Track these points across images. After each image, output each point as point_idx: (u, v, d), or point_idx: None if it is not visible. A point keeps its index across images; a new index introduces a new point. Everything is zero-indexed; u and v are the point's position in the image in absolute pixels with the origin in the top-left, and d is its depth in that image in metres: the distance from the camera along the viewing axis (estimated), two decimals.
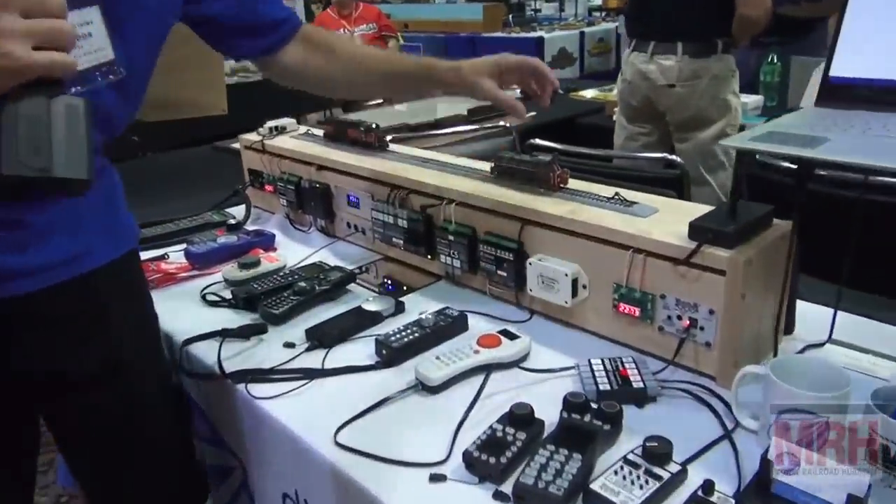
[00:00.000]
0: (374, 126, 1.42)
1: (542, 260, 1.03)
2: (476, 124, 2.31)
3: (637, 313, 0.95)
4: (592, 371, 0.90)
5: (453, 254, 1.17)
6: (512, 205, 1.07)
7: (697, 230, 0.88)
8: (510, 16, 6.87)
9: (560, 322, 1.07)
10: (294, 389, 0.94)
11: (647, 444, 0.73)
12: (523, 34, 5.98)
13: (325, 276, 1.20)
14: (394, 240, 1.27)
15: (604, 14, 6.86)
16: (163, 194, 1.88)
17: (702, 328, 0.89)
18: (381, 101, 3.05)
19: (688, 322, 0.90)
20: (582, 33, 6.19)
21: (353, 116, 1.90)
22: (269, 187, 1.57)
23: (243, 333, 1.06)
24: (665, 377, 0.90)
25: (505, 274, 1.09)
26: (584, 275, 1.00)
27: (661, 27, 2.00)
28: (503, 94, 1.07)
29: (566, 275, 0.99)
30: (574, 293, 1.00)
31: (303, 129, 1.63)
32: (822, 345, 0.97)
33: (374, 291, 1.21)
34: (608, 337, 1.01)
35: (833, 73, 0.90)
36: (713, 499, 0.68)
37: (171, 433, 1.01)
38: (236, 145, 1.71)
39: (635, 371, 0.90)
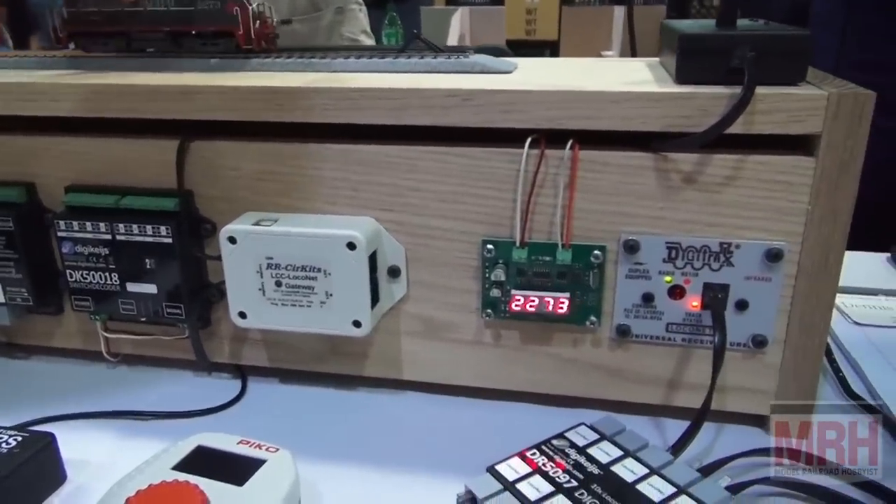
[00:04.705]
0: None
1: (266, 223, 0.37)
2: None
3: (563, 307, 0.36)
4: None
5: None
6: (146, 90, 0.38)
7: (716, 43, 0.33)
8: None
9: (330, 381, 0.41)
10: None
11: None
12: None
13: None
14: None
15: None
16: None
17: (741, 305, 0.35)
18: None
19: (699, 300, 0.35)
20: None
21: None
22: None
23: None
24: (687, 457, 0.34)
25: (153, 290, 0.39)
26: (394, 241, 0.37)
27: None
28: None
29: (351, 245, 0.35)
30: (375, 295, 0.37)
31: None
32: None
33: None
34: (473, 386, 0.39)
35: None
36: None
37: None
38: None
39: (628, 462, 0.31)
